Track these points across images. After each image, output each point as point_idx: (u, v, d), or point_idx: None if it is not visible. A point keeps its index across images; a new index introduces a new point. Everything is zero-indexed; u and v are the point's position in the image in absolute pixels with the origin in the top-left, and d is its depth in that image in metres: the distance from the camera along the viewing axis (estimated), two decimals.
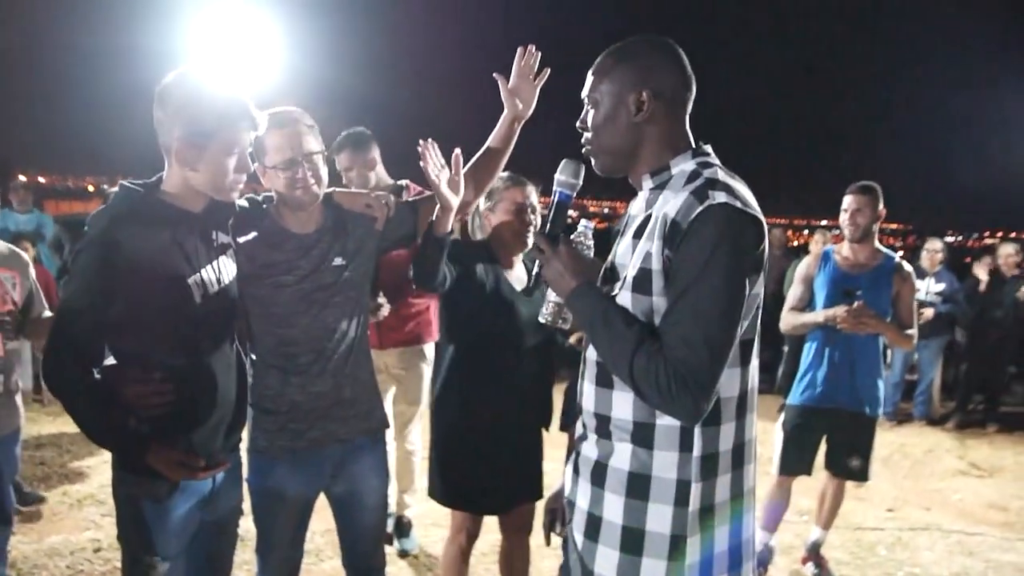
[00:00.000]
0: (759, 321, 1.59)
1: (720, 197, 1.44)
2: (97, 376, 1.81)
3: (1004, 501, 5.04)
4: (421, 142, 2.14)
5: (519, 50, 2.29)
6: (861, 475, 3.55)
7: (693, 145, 1.61)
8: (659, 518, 1.52)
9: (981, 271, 7.12)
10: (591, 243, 1.82)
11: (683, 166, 1.57)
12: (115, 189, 1.90)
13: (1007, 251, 6.95)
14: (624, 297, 1.54)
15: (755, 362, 1.60)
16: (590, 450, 1.63)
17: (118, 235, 1.74)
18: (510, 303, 2.56)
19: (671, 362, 1.41)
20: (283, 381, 2.16)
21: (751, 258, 1.45)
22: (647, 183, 1.62)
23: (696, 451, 1.51)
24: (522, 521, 2.80)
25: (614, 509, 1.56)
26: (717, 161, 1.60)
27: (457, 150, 2.22)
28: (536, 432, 2.69)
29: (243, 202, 2.12)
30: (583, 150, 1.67)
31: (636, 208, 1.63)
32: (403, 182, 3.54)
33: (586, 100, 1.64)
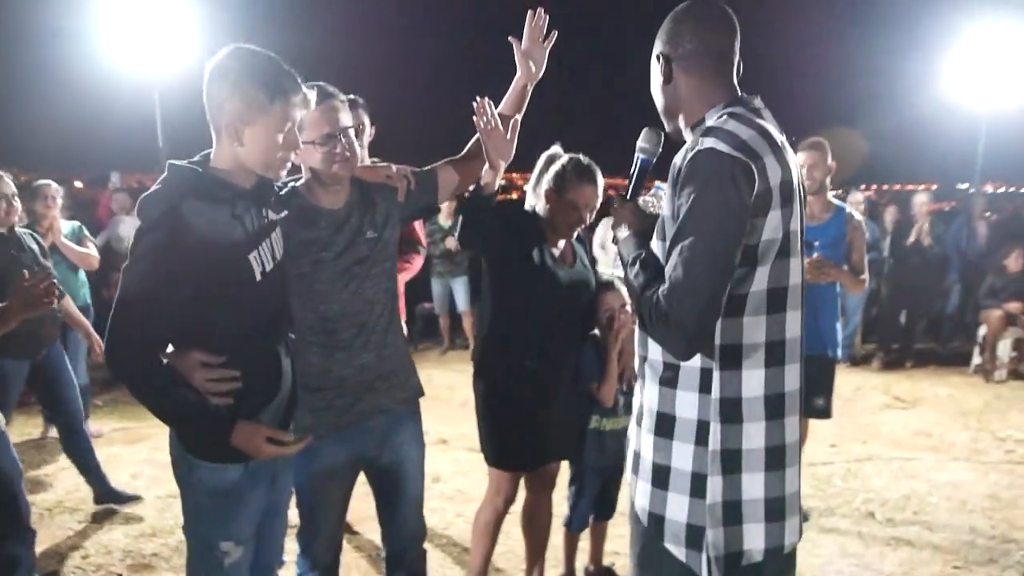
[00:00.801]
0: (796, 270, 1.62)
1: (707, 142, 1.51)
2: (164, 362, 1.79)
3: (928, 428, 5.53)
4: (478, 99, 2.21)
5: (529, 13, 2.36)
6: (825, 413, 3.84)
7: (734, 96, 1.66)
8: (682, 455, 1.61)
9: (888, 218, 7.72)
10: (657, 205, 1.97)
11: (712, 119, 1.63)
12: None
13: (920, 200, 7.54)
14: (654, 243, 1.66)
15: (794, 313, 1.63)
16: (637, 391, 1.75)
17: (184, 214, 1.72)
18: (552, 271, 2.67)
19: (661, 301, 1.51)
20: (327, 357, 2.18)
21: (737, 200, 1.48)
22: (688, 136, 1.70)
23: (715, 393, 1.58)
24: (549, 478, 2.93)
25: (647, 446, 1.67)
26: (751, 110, 1.63)
27: (516, 116, 2.30)
28: (571, 392, 2.80)
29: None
30: None
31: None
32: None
33: None
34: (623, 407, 2.92)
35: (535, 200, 2.79)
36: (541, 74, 2.42)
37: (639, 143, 1.80)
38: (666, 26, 1.71)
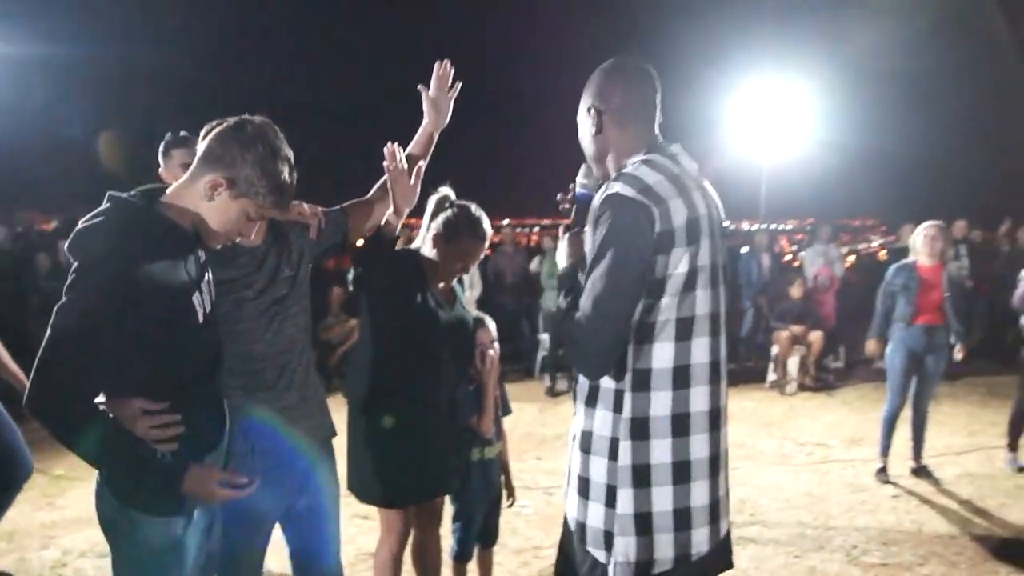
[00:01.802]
0: (705, 301, 1.74)
1: (615, 187, 1.68)
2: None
3: (741, 440, 6.16)
4: (389, 144, 2.25)
5: (436, 64, 2.47)
6: None
7: (653, 144, 1.81)
8: (598, 469, 1.76)
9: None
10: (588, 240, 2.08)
11: (631, 165, 1.78)
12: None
13: None
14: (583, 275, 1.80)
15: (701, 339, 1.74)
16: (575, 413, 1.88)
17: (129, 251, 1.63)
18: (433, 312, 2.72)
19: (573, 329, 1.71)
20: (250, 398, 2.12)
21: (640, 239, 1.64)
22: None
23: (625, 413, 1.71)
24: (437, 513, 2.96)
25: (575, 460, 1.83)
26: (667, 156, 1.79)
27: (420, 162, 2.37)
28: (451, 428, 2.87)
29: None
30: None
31: None
32: None
33: None
34: (495, 435, 3.07)
35: (421, 241, 2.84)
36: (446, 122, 2.54)
37: (578, 178, 1.96)
38: (596, 81, 1.86)
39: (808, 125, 9.46)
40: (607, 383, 1.75)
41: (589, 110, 1.86)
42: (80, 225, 1.67)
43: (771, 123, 9.03)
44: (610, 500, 1.74)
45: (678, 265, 1.68)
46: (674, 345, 1.72)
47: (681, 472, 1.73)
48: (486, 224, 2.79)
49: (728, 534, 1.87)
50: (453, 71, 2.49)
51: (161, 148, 3.02)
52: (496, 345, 2.97)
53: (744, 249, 10.32)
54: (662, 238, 1.66)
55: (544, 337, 8.31)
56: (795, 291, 8.16)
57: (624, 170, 1.76)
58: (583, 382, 1.82)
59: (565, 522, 1.89)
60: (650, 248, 1.66)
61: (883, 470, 5.10)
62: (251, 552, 2.19)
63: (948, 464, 5.38)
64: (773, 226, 10.54)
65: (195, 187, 1.76)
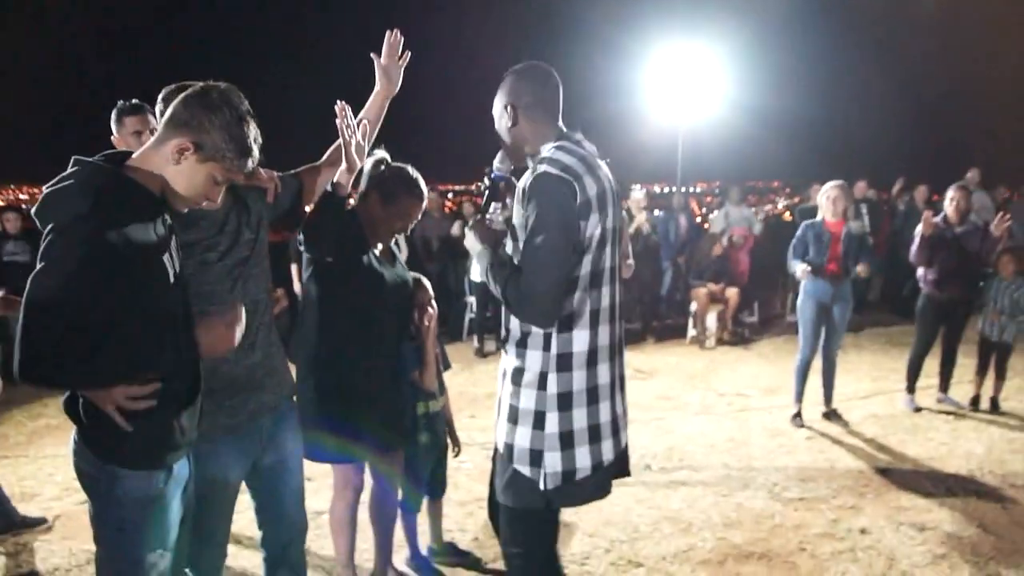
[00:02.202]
0: (610, 256, 2.13)
1: (542, 168, 2.03)
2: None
3: (667, 392, 6.48)
4: (338, 103, 2.29)
5: (387, 32, 2.51)
6: None
7: (560, 133, 2.18)
8: (527, 398, 2.12)
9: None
10: (499, 219, 2.35)
11: (546, 150, 2.14)
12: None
13: (636, 197, 8.66)
14: (509, 243, 2.18)
15: (607, 288, 2.14)
16: (504, 355, 2.22)
17: (101, 212, 1.63)
18: (379, 272, 2.79)
19: (518, 286, 2.02)
20: (216, 359, 2.14)
21: (565, 207, 2.00)
22: (530, 164, 2.18)
23: (553, 351, 2.09)
24: (393, 467, 3.05)
25: (506, 393, 2.18)
26: (573, 142, 2.15)
27: (366, 120, 2.42)
28: (398, 382, 2.95)
29: None
30: None
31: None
32: None
33: None
34: (439, 390, 3.19)
35: (354, 202, 2.89)
36: (397, 89, 2.58)
37: (495, 163, 2.23)
38: (509, 83, 2.20)
39: (720, 88, 9.78)
40: (537, 328, 2.09)
41: (505, 107, 2.19)
42: (47, 189, 1.66)
43: (686, 87, 9.28)
44: (538, 423, 2.10)
45: (594, 229, 2.06)
46: (588, 294, 2.10)
47: (592, 395, 2.13)
48: (422, 184, 2.89)
49: (626, 447, 2.28)
50: (402, 40, 2.53)
51: (114, 115, 2.97)
52: (434, 303, 3.06)
53: (657, 212, 10.60)
54: (582, 207, 2.03)
55: (471, 300, 8.40)
56: (717, 250, 8.50)
57: (544, 155, 2.11)
58: (515, 330, 2.14)
59: (495, 451, 2.23)
60: (575, 214, 2.02)
61: (798, 415, 5.46)
62: (220, 510, 2.22)
63: (855, 408, 5.80)
64: (687, 189, 10.88)
65: (161, 151, 1.77)
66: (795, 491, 4.19)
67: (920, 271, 5.66)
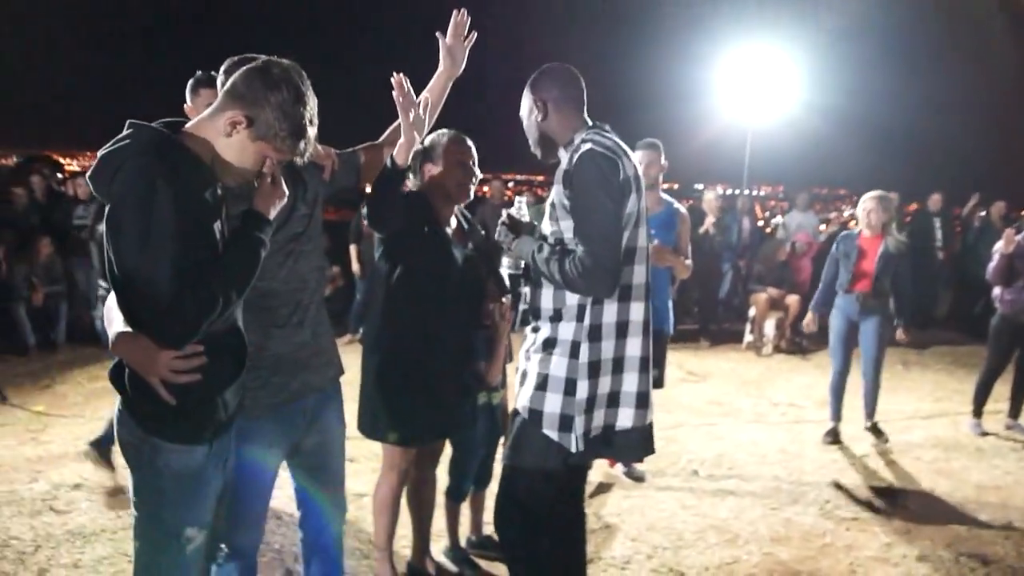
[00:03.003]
0: (643, 236, 2.28)
1: (585, 147, 2.18)
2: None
3: (719, 397, 6.33)
4: (395, 75, 2.26)
5: (454, 12, 2.47)
6: (658, 383, 4.29)
7: (589, 124, 2.34)
8: (559, 366, 2.24)
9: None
10: (526, 211, 2.54)
11: (581, 137, 2.28)
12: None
13: (709, 197, 8.50)
14: (546, 223, 2.33)
15: (640, 267, 2.28)
16: (532, 331, 2.35)
17: (152, 173, 1.60)
18: (449, 250, 2.75)
19: (581, 259, 2.12)
20: (265, 335, 2.14)
21: (613, 181, 2.15)
22: (562, 153, 2.35)
23: (586, 322, 2.22)
24: (437, 454, 3.04)
25: (534, 362, 2.31)
26: (604, 130, 2.30)
27: (425, 94, 2.38)
28: (462, 371, 2.91)
29: None
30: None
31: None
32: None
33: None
34: (501, 382, 3.14)
35: (415, 184, 2.86)
36: (460, 70, 2.54)
37: (513, 209, 2.52)
38: (538, 81, 2.37)
39: (792, 90, 9.46)
40: (571, 301, 2.23)
41: (535, 102, 2.35)
42: (102, 152, 1.65)
43: (757, 87, 9.01)
44: (570, 389, 2.23)
45: (632, 207, 2.22)
46: (623, 268, 2.22)
47: (618, 364, 2.28)
48: (463, 137, 2.85)
49: (651, 424, 2.38)
50: (469, 20, 2.49)
51: (190, 84, 3.00)
52: (508, 296, 3.00)
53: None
54: (624, 184, 2.18)
55: (526, 290, 8.34)
56: (781, 254, 8.28)
57: (582, 139, 2.24)
58: (547, 305, 2.29)
59: (515, 415, 2.34)
60: (620, 189, 2.16)
61: (831, 432, 5.15)
62: (257, 488, 2.21)
63: (916, 428, 5.57)
64: (753, 191, 10.62)
65: (215, 122, 1.76)
66: (848, 510, 4.03)
67: (996, 290, 5.39)
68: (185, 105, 3.03)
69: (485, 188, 8.34)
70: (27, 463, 4.32)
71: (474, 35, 2.52)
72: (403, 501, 3.07)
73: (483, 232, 3.12)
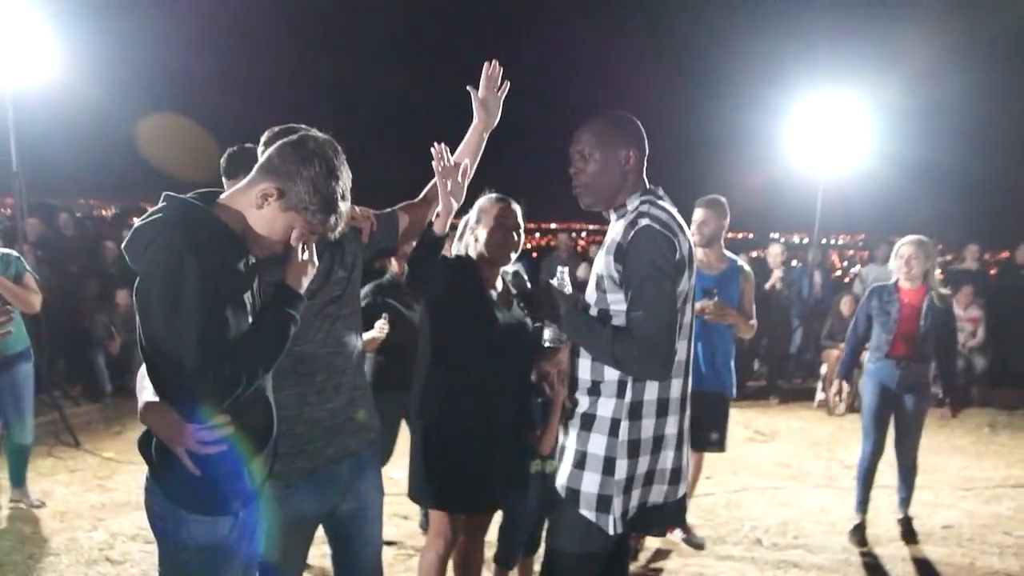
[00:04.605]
0: (689, 311, 2.25)
1: (644, 222, 2.11)
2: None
3: (787, 459, 6.06)
4: (435, 145, 2.27)
5: (485, 64, 2.48)
6: (720, 447, 4.13)
7: (647, 187, 2.27)
8: (597, 444, 2.19)
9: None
10: (567, 281, 2.43)
11: (634, 203, 2.22)
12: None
13: (774, 250, 8.29)
14: (591, 292, 2.25)
15: (683, 343, 2.21)
16: (570, 404, 2.30)
17: (183, 245, 1.62)
18: (492, 313, 2.72)
19: (638, 339, 2.06)
20: (300, 400, 2.13)
21: (672, 259, 2.09)
22: (612, 215, 2.28)
23: (627, 398, 2.17)
24: (486, 521, 2.96)
25: (572, 438, 2.25)
26: (658, 197, 2.23)
27: (466, 160, 2.38)
28: (513, 435, 2.85)
29: None
30: (574, 190, 2.31)
31: (609, 231, 2.27)
32: None
33: (577, 154, 2.26)
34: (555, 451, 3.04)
35: (463, 247, 2.84)
36: (496, 122, 2.54)
37: (554, 281, 2.42)
38: (627, 128, 2.26)
39: (867, 138, 9.20)
40: (611, 375, 2.17)
41: (622, 151, 2.23)
42: (137, 223, 1.70)
43: (829, 136, 8.80)
44: (608, 469, 2.17)
45: (684, 285, 2.16)
46: None
47: (658, 443, 2.23)
48: (506, 198, 2.83)
49: (684, 497, 2.34)
50: (501, 71, 2.49)
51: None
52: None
53: (794, 263, 10.10)
54: (679, 263, 2.11)
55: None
56: (845, 308, 7.97)
57: (633, 207, 2.21)
58: (585, 378, 2.23)
59: (555, 494, 2.29)
60: (676, 267, 2.10)
61: (859, 528, 4.33)
62: (292, 555, 2.18)
63: (1005, 497, 5.19)
64: (824, 241, 10.28)
65: (248, 194, 1.78)
66: None
67: None
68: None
69: (551, 238, 8.36)
70: (90, 510, 4.43)
71: (507, 85, 2.52)
72: (450, 565, 3.01)
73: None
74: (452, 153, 2.48)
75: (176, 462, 1.70)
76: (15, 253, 4.08)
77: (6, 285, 3.87)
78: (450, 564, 2.99)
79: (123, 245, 1.68)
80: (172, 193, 1.75)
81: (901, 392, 4.29)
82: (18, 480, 4.45)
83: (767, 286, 8.01)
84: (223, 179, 2.83)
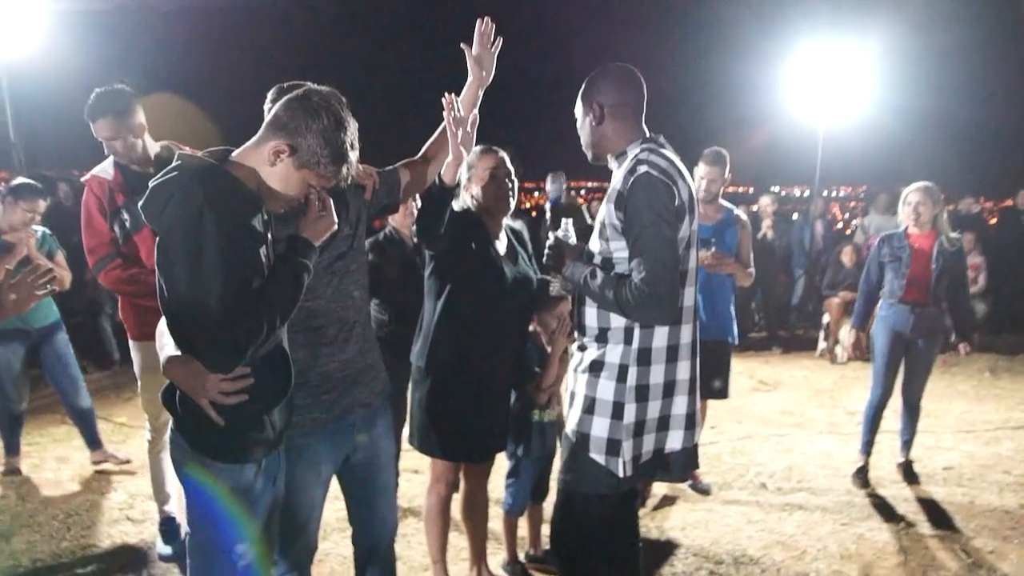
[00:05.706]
0: (693, 258, 2.27)
1: (642, 169, 2.13)
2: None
3: (790, 407, 6.13)
4: (446, 95, 2.29)
5: (478, 21, 2.47)
6: (723, 394, 4.20)
7: (646, 136, 2.28)
8: (606, 390, 2.23)
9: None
10: (572, 232, 2.48)
11: (634, 151, 2.24)
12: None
13: (764, 201, 8.28)
14: (594, 241, 2.29)
15: (689, 288, 2.26)
16: (579, 350, 2.33)
17: (200, 201, 1.65)
18: (498, 267, 2.75)
19: (638, 287, 2.08)
20: (313, 353, 2.18)
21: (671, 205, 2.12)
22: (613, 164, 2.32)
23: (634, 345, 2.20)
24: (488, 467, 3.03)
25: (581, 384, 2.29)
26: (659, 145, 2.24)
27: (474, 111, 2.39)
28: (509, 388, 2.92)
29: None
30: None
31: (612, 180, 2.27)
32: (165, 143, 3.31)
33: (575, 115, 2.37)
34: (556, 399, 3.11)
35: (462, 203, 2.85)
36: (490, 79, 2.54)
37: (548, 187, 2.19)
38: (595, 82, 2.29)
39: (867, 88, 9.09)
40: (617, 322, 2.21)
41: (591, 105, 2.28)
42: (153, 183, 1.72)
43: (828, 86, 8.71)
44: (617, 413, 2.22)
45: (685, 231, 2.18)
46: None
47: (668, 389, 2.26)
48: (492, 148, 2.85)
49: (697, 444, 2.41)
50: (494, 27, 2.48)
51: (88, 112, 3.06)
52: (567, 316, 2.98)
53: (795, 216, 10.10)
54: (679, 209, 2.14)
55: None
56: (846, 258, 7.99)
57: (633, 155, 2.21)
58: (592, 325, 2.27)
59: (566, 439, 2.34)
60: (675, 215, 2.13)
61: (862, 471, 4.44)
62: (310, 503, 2.25)
63: (1005, 439, 5.26)
64: (826, 193, 10.27)
65: (260, 151, 1.81)
66: (926, 527, 3.83)
67: None
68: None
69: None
70: (107, 474, 4.52)
71: (500, 42, 2.51)
72: (458, 515, 3.10)
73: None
74: None
75: (201, 412, 1.76)
76: (47, 231, 4.12)
77: (47, 263, 3.89)
78: (458, 508, 3.08)
79: (140, 204, 1.71)
80: (185, 153, 1.78)
81: (915, 337, 4.35)
82: (93, 442, 4.59)
83: (758, 235, 8.02)
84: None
